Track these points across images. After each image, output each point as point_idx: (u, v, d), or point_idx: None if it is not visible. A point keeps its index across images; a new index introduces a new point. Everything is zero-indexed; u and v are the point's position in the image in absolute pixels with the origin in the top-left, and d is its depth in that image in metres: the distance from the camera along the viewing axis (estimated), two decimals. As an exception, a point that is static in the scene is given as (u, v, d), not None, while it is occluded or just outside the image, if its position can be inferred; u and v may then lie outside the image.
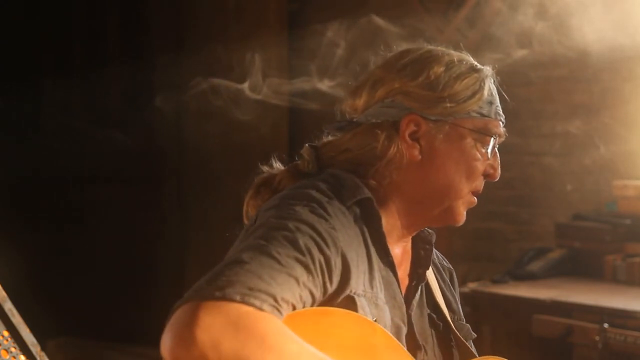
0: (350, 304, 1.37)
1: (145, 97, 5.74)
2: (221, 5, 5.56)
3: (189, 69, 5.57)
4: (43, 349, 1.92)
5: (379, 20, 4.73)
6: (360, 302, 1.38)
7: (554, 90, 4.52)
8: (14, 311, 1.89)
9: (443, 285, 1.65)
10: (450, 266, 1.71)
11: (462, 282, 4.38)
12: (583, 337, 3.34)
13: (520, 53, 4.29)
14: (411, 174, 1.50)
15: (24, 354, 1.88)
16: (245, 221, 1.54)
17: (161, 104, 5.82)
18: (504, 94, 1.58)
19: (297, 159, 1.58)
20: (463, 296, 3.83)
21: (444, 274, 1.68)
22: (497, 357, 1.54)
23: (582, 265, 4.04)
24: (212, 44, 5.51)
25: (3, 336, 1.87)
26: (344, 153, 1.52)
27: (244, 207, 1.57)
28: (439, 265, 1.68)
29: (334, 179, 1.47)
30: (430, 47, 1.56)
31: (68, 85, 5.66)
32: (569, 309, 3.48)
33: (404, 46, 1.58)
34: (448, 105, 1.48)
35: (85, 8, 5.93)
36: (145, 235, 5.54)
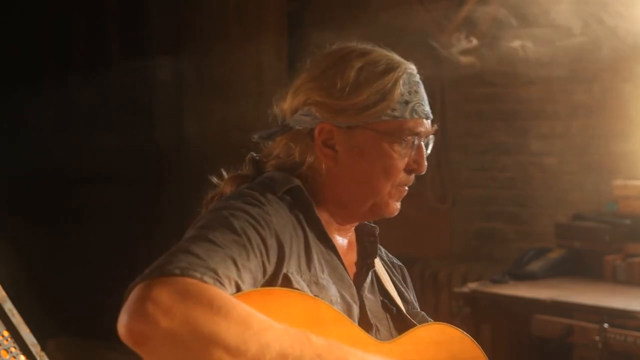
0: (287, 283, 1.43)
1: (145, 97, 5.74)
2: (221, 5, 5.56)
3: (189, 69, 5.58)
4: (43, 349, 1.92)
5: (378, 21, 4.73)
6: (296, 279, 1.44)
7: (554, 90, 4.52)
8: (14, 311, 1.89)
9: (395, 280, 1.71)
10: (401, 264, 1.76)
11: (462, 282, 4.38)
12: (583, 337, 3.34)
13: (520, 53, 4.30)
14: (332, 178, 1.56)
15: (24, 354, 1.88)
16: None
17: (161, 104, 5.83)
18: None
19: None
20: (463, 296, 3.83)
21: (395, 271, 1.73)
22: (442, 323, 1.60)
23: (582, 265, 4.04)
24: (212, 44, 5.51)
25: (3, 336, 1.87)
26: (274, 159, 1.60)
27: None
28: (389, 262, 1.74)
29: (266, 178, 1.56)
30: (350, 48, 1.58)
31: (68, 85, 5.66)
32: (569, 309, 3.48)
33: (335, 46, 1.60)
34: (355, 112, 1.52)
35: (85, 8, 5.93)
36: (145, 236, 5.54)
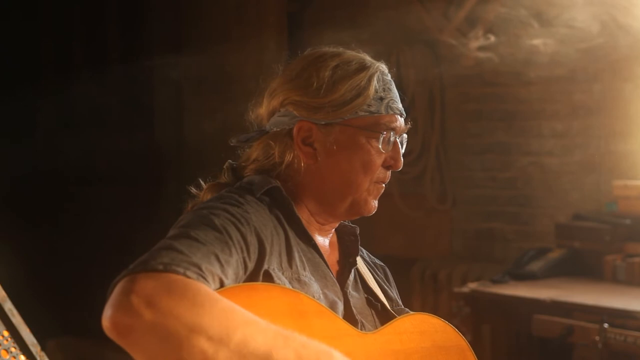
0: (268, 279, 1.45)
1: (145, 97, 5.74)
2: (221, 5, 5.56)
3: (189, 69, 5.58)
4: (43, 349, 1.93)
5: (378, 22, 4.73)
6: (277, 275, 1.46)
7: (554, 90, 4.52)
8: (14, 311, 1.89)
9: (378, 278, 1.74)
10: (383, 263, 1.79)
11: (462, 282, 4.38)
12: (583, 337, 3.34)
13: (519, 53, 4.30)
14: (311, 176, 1.60)
15: (24, 354, 1.88)
16: None
17: (161, 104, 5.83)
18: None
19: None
20: (463, 296, 3.83)
21: (377, 270, 1.77)
22: (425, 313, 1.62)
23: (582, 265, 4.04)
24: (212, 44, 5.51)
25: (3, 336, 1.87)
26: (252, 163, 1.64)
27: None
28: (371, 263, 1.77)
29: (245, 183, 1.60)
30: (322, 50, 1.64)
31: (68, 85, 5.66)
32: (569, 309, 3.48)
33: (307, 51, 1.65)
34: (332, 109, 1.57)
35: (85, 9, 5.94)
36: (145, 236, 5.54)
